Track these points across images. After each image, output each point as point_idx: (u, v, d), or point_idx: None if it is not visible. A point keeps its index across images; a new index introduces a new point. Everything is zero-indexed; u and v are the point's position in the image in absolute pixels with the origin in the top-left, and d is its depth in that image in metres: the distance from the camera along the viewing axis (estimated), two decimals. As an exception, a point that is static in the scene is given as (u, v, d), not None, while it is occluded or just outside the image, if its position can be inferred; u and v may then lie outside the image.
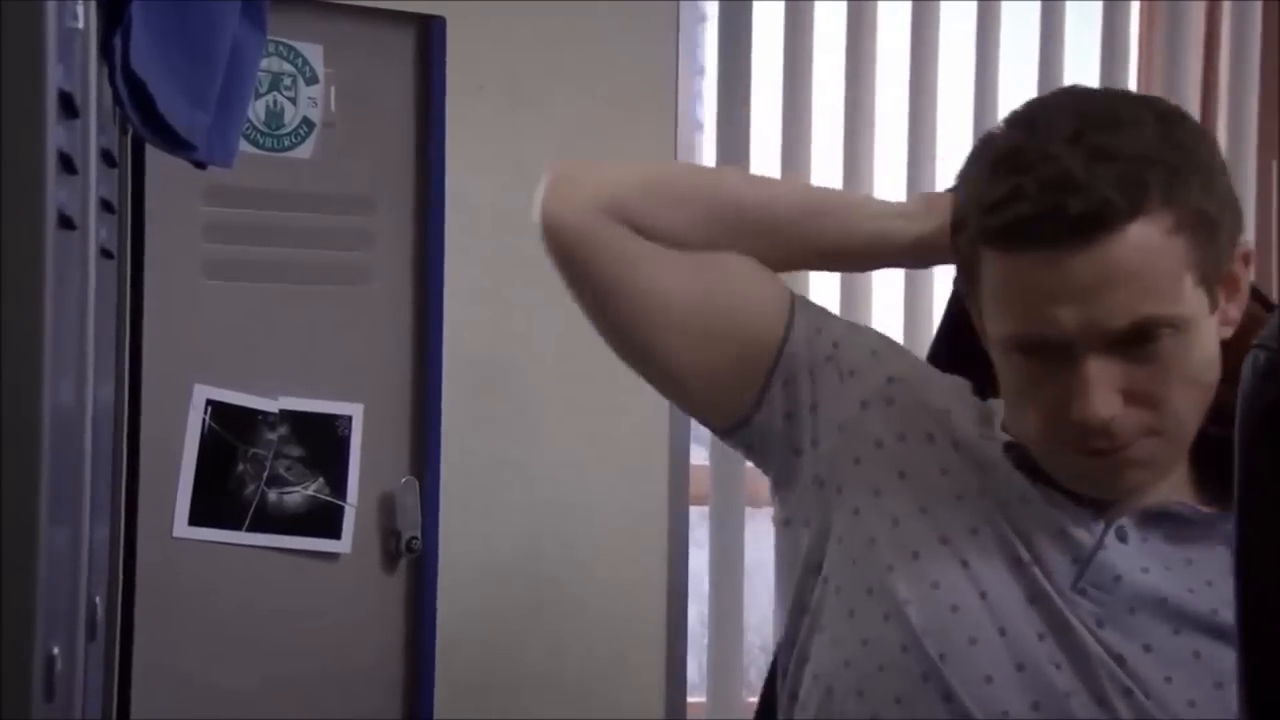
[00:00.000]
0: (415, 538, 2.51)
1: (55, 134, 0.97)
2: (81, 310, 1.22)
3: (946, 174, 2.84)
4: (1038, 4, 3.12)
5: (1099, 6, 3.16)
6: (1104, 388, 1.18)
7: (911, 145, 2.99)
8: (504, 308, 2.62)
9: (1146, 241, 1.17)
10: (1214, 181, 1.24)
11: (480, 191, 2.56)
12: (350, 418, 2.48)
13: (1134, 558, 1.27)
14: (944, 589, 1.27)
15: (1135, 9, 3.20)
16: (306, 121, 2.48)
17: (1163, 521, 1.30)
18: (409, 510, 2.51)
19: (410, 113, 2.56)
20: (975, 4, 3.06)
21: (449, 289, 2.54)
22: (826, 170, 2.91)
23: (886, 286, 2.91)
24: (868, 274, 2.67)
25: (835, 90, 2.93)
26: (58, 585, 1.07)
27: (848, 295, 2.88)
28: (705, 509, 2.83)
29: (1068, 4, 3.12)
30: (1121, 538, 1.28)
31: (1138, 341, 1.19)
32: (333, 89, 2.48)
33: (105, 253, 1.51)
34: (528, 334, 2.63)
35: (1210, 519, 1.29)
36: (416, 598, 2.54)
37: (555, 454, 2.66)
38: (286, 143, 2.46)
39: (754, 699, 1.54)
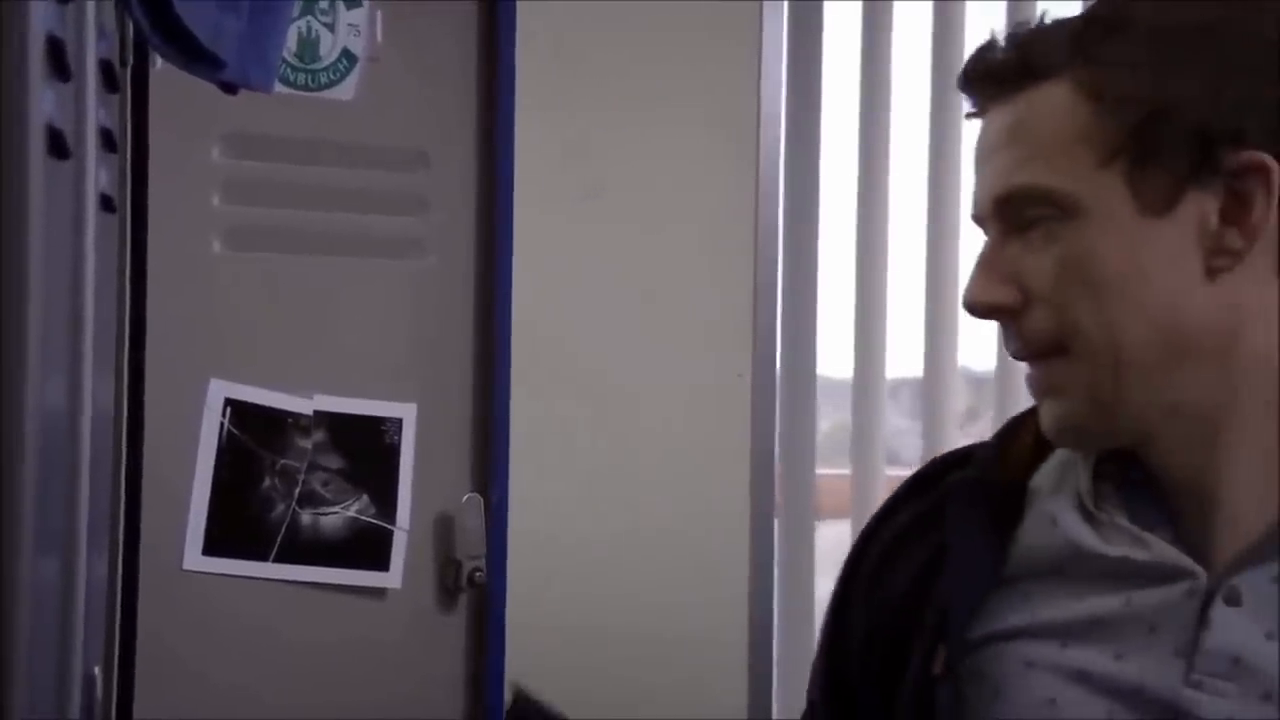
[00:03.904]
0: (479, 568, 2.51)
1: (41, 8, 0.78)
2: (76, 276, 1.10)
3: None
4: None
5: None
6: (984, 267, 1.22)
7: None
8: (581, 289, 2.64)
9: (1040, 107, 1.20)
10: (1196, 58, 1.17)
11: (553, 153, 2.57)
12: (400, 421, 2.48)
13: (1251, 624, 1.15)
14: None
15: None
16: (347, 54, 2.46)
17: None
18: (471, 534, 2.51)
19: (473, 47, 2.54)
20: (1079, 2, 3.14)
21: (518, 265, 2.54)
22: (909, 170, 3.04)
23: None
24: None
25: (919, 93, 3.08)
26: (42, 650, 0.95)
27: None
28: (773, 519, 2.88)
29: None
30: (1232, 599, 1.16)
31: (1024, 224, 1.21)
32: (379, 15, 2.47)
33: (106, 202, 1.37)
34: (607, 319, 2.66)
35: None
36: (479, 640, 2.54)
37: (637, 463, 2.69)
38: (323, 80, 2.45)
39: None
